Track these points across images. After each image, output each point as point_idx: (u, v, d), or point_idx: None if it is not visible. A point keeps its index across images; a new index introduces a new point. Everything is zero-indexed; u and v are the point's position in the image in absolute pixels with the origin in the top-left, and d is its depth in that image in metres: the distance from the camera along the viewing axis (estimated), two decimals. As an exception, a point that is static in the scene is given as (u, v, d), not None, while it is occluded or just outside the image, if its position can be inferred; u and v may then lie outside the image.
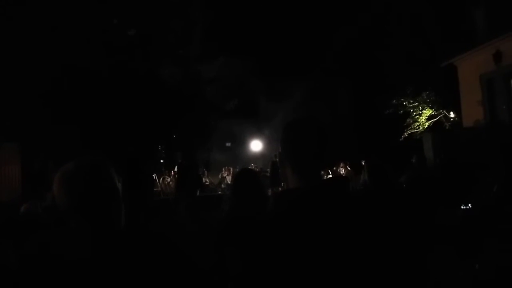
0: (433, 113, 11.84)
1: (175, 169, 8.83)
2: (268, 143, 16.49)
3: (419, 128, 11.86)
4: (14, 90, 8.56)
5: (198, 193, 6.73)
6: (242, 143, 16.69)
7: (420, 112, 11.92)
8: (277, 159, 1.28)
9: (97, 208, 1.08)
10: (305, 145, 1.10)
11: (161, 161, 10.50)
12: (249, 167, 10.54)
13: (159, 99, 11.02)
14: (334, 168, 11.52)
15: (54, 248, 1.04)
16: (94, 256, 1.03)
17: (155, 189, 9.31)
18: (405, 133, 11.98)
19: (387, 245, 1.06)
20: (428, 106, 11.86)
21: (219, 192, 11.18)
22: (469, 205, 3.37)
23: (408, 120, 12.09)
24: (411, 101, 11.97)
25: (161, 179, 10.18)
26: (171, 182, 10.24)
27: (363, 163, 9.36)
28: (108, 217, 1.10)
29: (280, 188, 8.88)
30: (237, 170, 12.96)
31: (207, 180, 11.68)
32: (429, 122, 11.95)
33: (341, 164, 11.69)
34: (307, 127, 1.13)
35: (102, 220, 1.09)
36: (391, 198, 2.58)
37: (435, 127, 11.34)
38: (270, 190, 9.43)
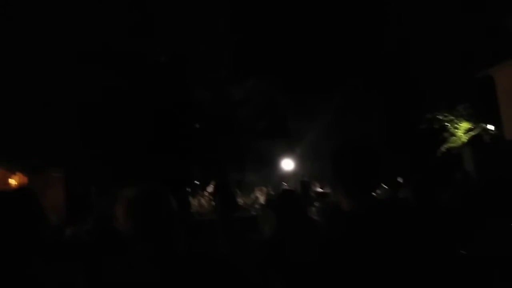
0: (471, 126, 11.44)
1: (209, 190, 8.90)
2: (299, 162, 16.36)
3: (456, 142, 11.46)
4: (57, 115, 9.01)
5: (234, 214, 6.73)
6: (273, 162, 16.68)
7: (457, 126, 11.54)
8: (306, 179, 1.30)
9: (161, 233, 1.12)
10: (357, 171, 1.11)
11: (197, 182, 10.65)
12: (286, 188, 10.47)
13: (192, 121, 11.28)
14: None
15: (125, 273, 1.08)
16: (162, 280, 1.06)
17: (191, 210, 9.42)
18: (442, 148, 11.60)
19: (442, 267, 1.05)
20: (465, 120, 11.48)
21: (253, 213, 11.14)
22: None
23: (444, 134, 11.72)
24: (446, 115, 11.62)
25: (196, 200, 10.29)
26: (205, 203, 10.32)
27: (399, 180, 9.11)
28: (171, 241, 1.13)
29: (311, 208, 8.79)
30: (269, 190, 12.92)
31: (240, 201, 11.69)
32: (467, 135, 11.53)
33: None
34: (358, 152, 1.14)
35: (165, 245, 1.12)
36: (440, 215, 2.49)
37: (474, 141, 10.92)
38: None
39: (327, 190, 9.36)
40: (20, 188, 1.45)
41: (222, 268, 1.14)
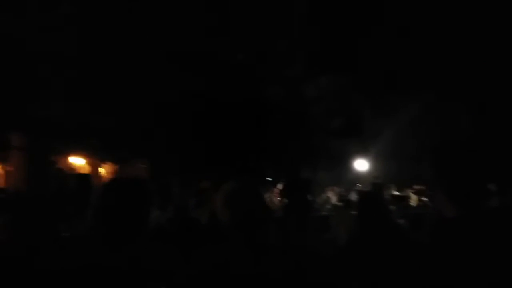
0: None
1: (281, 188, 8.92)
2: (374, 163, 15.74)
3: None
4: (142, 113, 9.71)
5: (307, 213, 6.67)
6: (346, 162, 16.24)
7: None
8: (380, 181, 1.22)
9: (257, 226, 1.15)
10: (463, 173, 1.00)
11: (269, 179, 10.79)
12: (358, 189, 10.12)
13: (265, 119, 11.40)
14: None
15: (220, 262, 1.13)
16: (259, 272, 1.09)
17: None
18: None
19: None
20: None
21: (324, 213, 10.96)
22: None
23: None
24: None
25: (267, 197, 10.44)
26: (276, 201, 10.38)
27: (490, 187, 8.29)
28: (265, 234, 1.16)
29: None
30: (341, 190, 12.57)
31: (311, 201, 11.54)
32: None
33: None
34: (465, 152, 1.04)
35: (260, 237, 1.15)
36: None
37: None
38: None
39: (405, 193, 8.84)
40: (136, 177, 1.65)
41: (314, 262, 1.15)
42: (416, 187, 9.25)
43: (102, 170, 14.40)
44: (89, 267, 1.42)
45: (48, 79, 8.11)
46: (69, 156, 13.81)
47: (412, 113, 14.58)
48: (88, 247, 1.56)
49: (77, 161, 14.69)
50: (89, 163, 14.87)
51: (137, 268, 1.38)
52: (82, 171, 12.17)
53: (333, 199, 11.40)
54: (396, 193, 8.67)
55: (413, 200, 8.35)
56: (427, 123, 13.87)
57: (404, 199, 7.11)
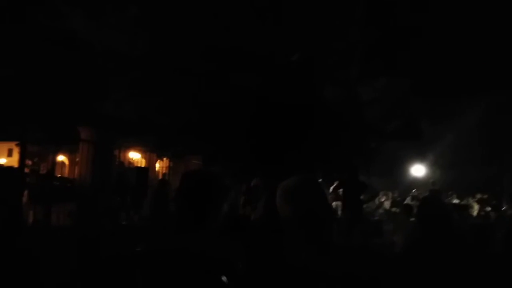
0: None
1: (331, 189, 8.79)
2: (431, 169, 14.96)
3: None
4: (195, 111, 10.00)
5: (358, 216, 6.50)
6: (402, 167, 15.58)
7: None
8: (437, 187, 1.14)
9: (318, 223, 1.14)
10: None
11: (319, 180, 10.69)
12: (416, 194, 9.66)
13: (319, 119, 11.25)
14: None
15: (280, 257, 1.14)
16: (310, 265, 1.08)
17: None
18: None
19: None
20: None
21: (376, 218, 10.62)
22: None
23: None
24: None
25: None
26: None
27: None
28: (326, 231, 1.14)
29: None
30: (395, 195, 12.05)
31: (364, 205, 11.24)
32: None
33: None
34: None
35: (321, 234, 1.14)
36: None
37: None
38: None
39: (466, 202, 8.31)
40: (207, 170, 1.74)
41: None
42: (479, 195, 8.67)
43: (158, 165, 15.06)
44: (151, 253, 1.49)
45: (115, 78, 8.62)
46: (130, 150, 14.61)
47: (477, 117, 13.62)
48: (148, 235, 1.64)
49: (136, 156, 15.51)
50: (146, 158, 15.63)
51: (201, 256, 1.42)
52: (141, 165, 12.86)
53: (386, 204, 11.02)
54: (457, 201, 8.16)
55: (475, 209, 7.84)
56: (494, 127, 12.89)
57: (465, 208, 6.67)
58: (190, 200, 1.58)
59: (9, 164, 11.64)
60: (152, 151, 13.22)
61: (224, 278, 1.31)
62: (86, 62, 7.93)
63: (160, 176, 12.88)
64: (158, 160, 14.72)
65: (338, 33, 11.83)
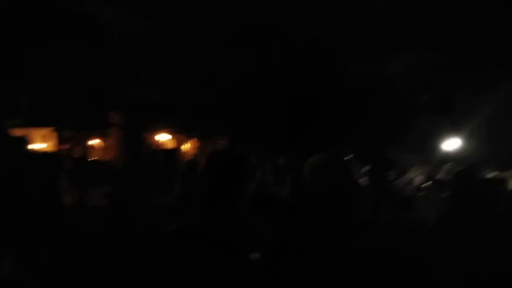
0: None
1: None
2: (466, 143, 14.46)
3: None
4: (223, 90, 10.02)
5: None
6: (433, 142, 15.14)
7: None
8: (470, 161, 1.09)
9: (345, 201, 1.14)
10: None
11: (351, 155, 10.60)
12: (448, 169, 9.39)
13: (345, 96, 11.06)
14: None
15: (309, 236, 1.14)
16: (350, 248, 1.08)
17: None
18: None
19: None
20: None
21: (407, 194, 10.45)
22: None
23: None
24: None
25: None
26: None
27: None
28: (354, 209, 1.14)
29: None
30: (428, 171, 11.78)
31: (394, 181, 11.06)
32: None
33: None
34: None
35: (347, 212, 1.13)
36: None
37: None
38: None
39: (502, 176, 8.00)
40: (233, 150, 1.78)
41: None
42: (516, 170, 8.32)
43: (185, 146, 15.33)
44: (181, 233, 1.53)
45: (139, 62, 8.74)
46: (158, 133, 14.90)
47: (508, 90, 12.98)
48: (177, 215, 1.68)
49: (165, 138, 15.81)
50: (175, 140, 15.92)
51: (232, 235, 1.46)
52: (169, 147, 13.12)
53: (418, 179, 10.78)
54: (493, 175, 7.88)
55: (511, 184, 7.54)
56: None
57: (502, 182, 6.42)
58: (217, 179, 1.61)
59: (45, 149, 12.18)
60: (180, 132, 13.42)
61: (254, 255, 1.33)
62: (110, 47, 8.08)
63: (189, 157, 13.12)
64: (186, 141, 14.96)
65: (364, 3, 11.45)
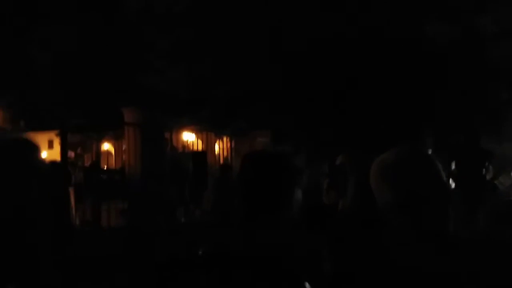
0: None
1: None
2: None
3: None
4: (260, 70, 10.03)
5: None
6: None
7: None
8: None
9: (428, 208, 1.15)
10: None
11: (429, 150, 10.28)
12: None
13: (420, 67, 10.73)
14: None
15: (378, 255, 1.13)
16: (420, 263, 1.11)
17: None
18: None
19: None
20: None
21: (511, 198, 10.02)
22: None
23: None
24: None
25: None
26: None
27: None
28: (440, 219, 1.17)
29: None
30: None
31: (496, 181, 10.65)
32: None
33: None
34: None
35: (432, 223, 1.16)
36: None
37: None
38: None
39: None
40: (271, 150, 1.83)
41: None
42: None
43: (217, 147, 15.56)
44: (216, 257, 1.54)
45: (155, 42, 8.92)
46: (183, 131, 15.24)
47: None
48: (211, 233, 1.71)
49: (191, 137, 16.16)
50: (203, 139, 16.20)
51: (275, 259, 1.46)
52: (197, 149, 13.38)
53: (527, 178, 10.35)
54: None
55: None
56: None
57: None
58: (253, 188, 1.63)
59: (51, 158, 12.79)
60: (209, 129, 13.61)
61: (307, 286, 1.33)
62: (120, 27, 8.30)
63: (221, 161, 13.30)
64: (218, 141, 15.16)
65: None
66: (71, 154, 11.89)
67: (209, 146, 14.94)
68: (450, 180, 6.88)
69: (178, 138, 14.45)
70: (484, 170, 6.49)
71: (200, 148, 14.58)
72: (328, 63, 10.01)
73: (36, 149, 1.98)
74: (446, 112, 11.56)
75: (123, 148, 11.53)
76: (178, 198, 10.71)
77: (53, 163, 8.29)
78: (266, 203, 1.60)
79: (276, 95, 10.15)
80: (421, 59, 10.58)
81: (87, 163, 11.33)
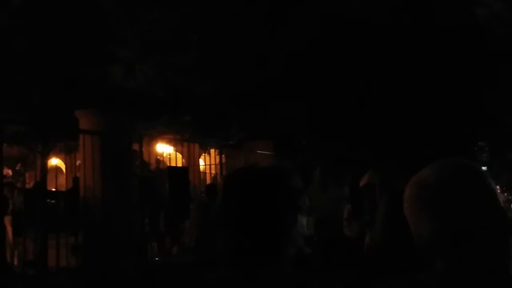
0: None
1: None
2: None
3: None
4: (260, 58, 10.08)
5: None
6: None
7: None
8: None
9: (482, 243, 1.16)
10: None
11: (484, 168, 10.34)
12: None
13: (469, 61, 10.85)
14: None
15: None
16: None
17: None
18: None
19: None
20: None
21: None
22: None
23: None
24: None
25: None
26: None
27: None
28: (497, 257, 1.18)
29: None
30: None
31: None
32: None
33: None
34: None
35: (487, 263, 1.17)
36: None
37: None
38: None
39: None
40: (267, 166, 1.81)
41: None
42: None
43: (202, 162, 15.54)
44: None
45: (122, 27, 8.93)
46: (157, 142, 15.23)
47: None
48: (193, 278, 1.71)
49: (168, 149, 16.14)
50: (184, 152, 16.18)
51: None
52: (175, 165, 13.36)
53: None
54: None
55: None
56: None
57: None
58: (238, 220, 1.62)
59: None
60: (192, 139, 13.62)
61: None
62: (78, 8, 8.31)
63: (208, 180, 13.27)
64: (203, 154, 15.17)
65: None
66: (7, 172, 11.85)
67: (192, 161, 14.93)
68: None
69: (151, 151, 14.43)
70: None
71: (179, 163, 14.57)
72: (352, 52, 10.08)
73: None
74: (505, 118, 11.64)
75: (77, 164, 11.50)
76: (151, 230, 10.67)
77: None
78: (257, 240, 1.57)
79: (280, 92, 10.16)
80: (468, 48, 10.69)
81: (29, 183, 11.26)
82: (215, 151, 13.53)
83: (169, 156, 14.16)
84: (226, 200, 1.70)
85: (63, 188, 13.00)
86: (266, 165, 1.76)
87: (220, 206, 1.73)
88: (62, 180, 14.42)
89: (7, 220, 8.91)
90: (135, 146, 10.63)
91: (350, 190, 4.69)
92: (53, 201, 9.70)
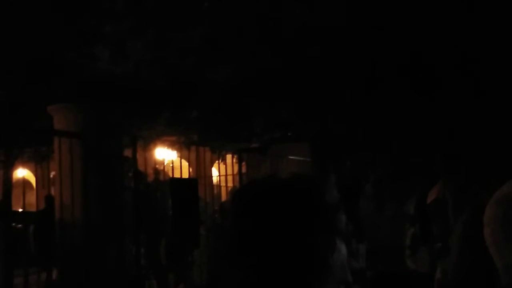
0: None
1: None
2: None
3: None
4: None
5: None
6: None
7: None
8: None
9: None
10: None
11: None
12: None
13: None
14: None
15: None
16: None
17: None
18: None
19: None
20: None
21: None
22: None
23: None
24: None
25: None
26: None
27: None
28: None
29: None
30: None
31: None
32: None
33: None
34: None
35: None
36: None
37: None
38: None
39: None
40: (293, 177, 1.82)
41: None
42: None
43: (216, 171, 15.64)
44: None
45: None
46: (155, 146, 15.37)
47: None
48: None
49: (170, 155, 16.26)
50: (191, 159, 16.29)
51: None
52: (180, 175, 13.44)
53: None
54: None
55: None
56: None
57: None
58: (255, 251, 1.57)
59: None
60: (201, 143, 13.73)
61: None
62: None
63: (224, 196, 13.34)
64: (216, 161, 15.28)
65: None
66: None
67: (202, 170, 15.01)
68: None
69: (148, 158, 14.53)
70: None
71: (185, 174, 14.65)
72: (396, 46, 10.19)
73: None
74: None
75: (51, 176, 11.62)
76: (148, 263, 10.76)
77: None
78: (280, 279, 1.53)
79: (321, 76, 10.20)
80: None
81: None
82: (232, 158, 13.60)
83: (171, 165, 14.22)
84: (236, 225, 1.68)
85: (33, 209, 13.11)
86: (287, 174, 1.72)
87: (229, 235, 1.70)
88: (31, 198, 14.55)
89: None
90: (127, 152, 10.71)
91: (415, 208, 4.71)
92: (19, 225, 9.81)
